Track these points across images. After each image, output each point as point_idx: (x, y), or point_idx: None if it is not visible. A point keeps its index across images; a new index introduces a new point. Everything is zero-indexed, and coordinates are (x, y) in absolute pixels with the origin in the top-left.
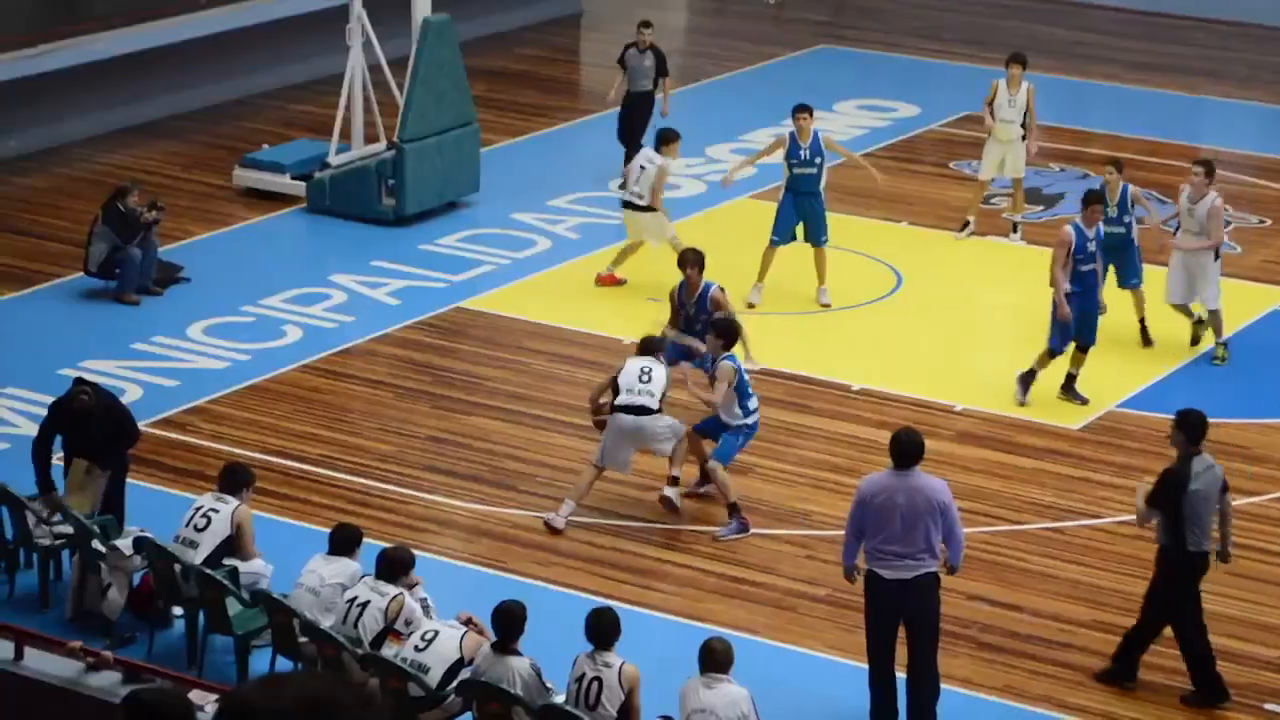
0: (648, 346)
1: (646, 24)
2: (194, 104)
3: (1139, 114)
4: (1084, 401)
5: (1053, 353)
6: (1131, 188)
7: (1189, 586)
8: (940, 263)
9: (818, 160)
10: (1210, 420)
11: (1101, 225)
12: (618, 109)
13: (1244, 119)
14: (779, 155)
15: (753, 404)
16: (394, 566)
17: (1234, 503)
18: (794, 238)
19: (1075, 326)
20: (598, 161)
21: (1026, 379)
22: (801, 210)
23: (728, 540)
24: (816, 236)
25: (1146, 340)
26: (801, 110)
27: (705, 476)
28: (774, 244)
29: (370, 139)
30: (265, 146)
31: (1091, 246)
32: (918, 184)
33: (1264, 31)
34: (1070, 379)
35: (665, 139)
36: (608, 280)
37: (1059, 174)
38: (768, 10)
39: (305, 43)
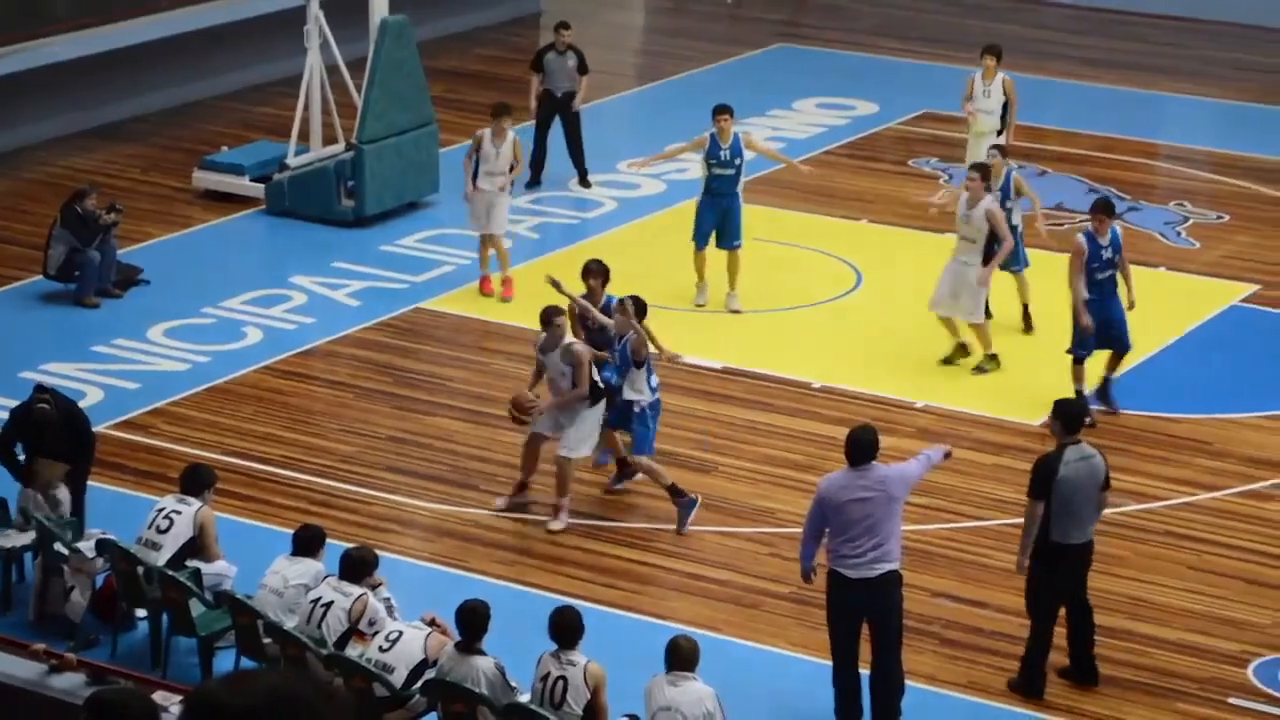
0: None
1: (565, 25)
2: (152, 106)
3: (1095, 110)
4: (1117, 410)
5: (1078, 360)
6: (1015, 174)
7: (1047, 577)
8: (899, 260)
9: (737, 162)
10: (1170, 416)
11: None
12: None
13: (1199, 114)
14: (695, 154)
15: (655, 380)
16: (357, 567)
17: (1196, 498)
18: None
19: (1100, 333)
20: (557, 161)
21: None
22: (718, 212)
23: (689, 530)
24: (729, 240)
25: (1028, 326)
26: (722, 111)
27: (624, 469)
28: (698, 247)
29: (329, 140)
30: (224, 149)
31: (1106, 254)
32: (876, 181)
33: (1217, 27)
34: (1105, 384)
35: (494, 111)
36: (505, 288)
37: (1018, 170)
38: (726, 9)
39: (263, 44)
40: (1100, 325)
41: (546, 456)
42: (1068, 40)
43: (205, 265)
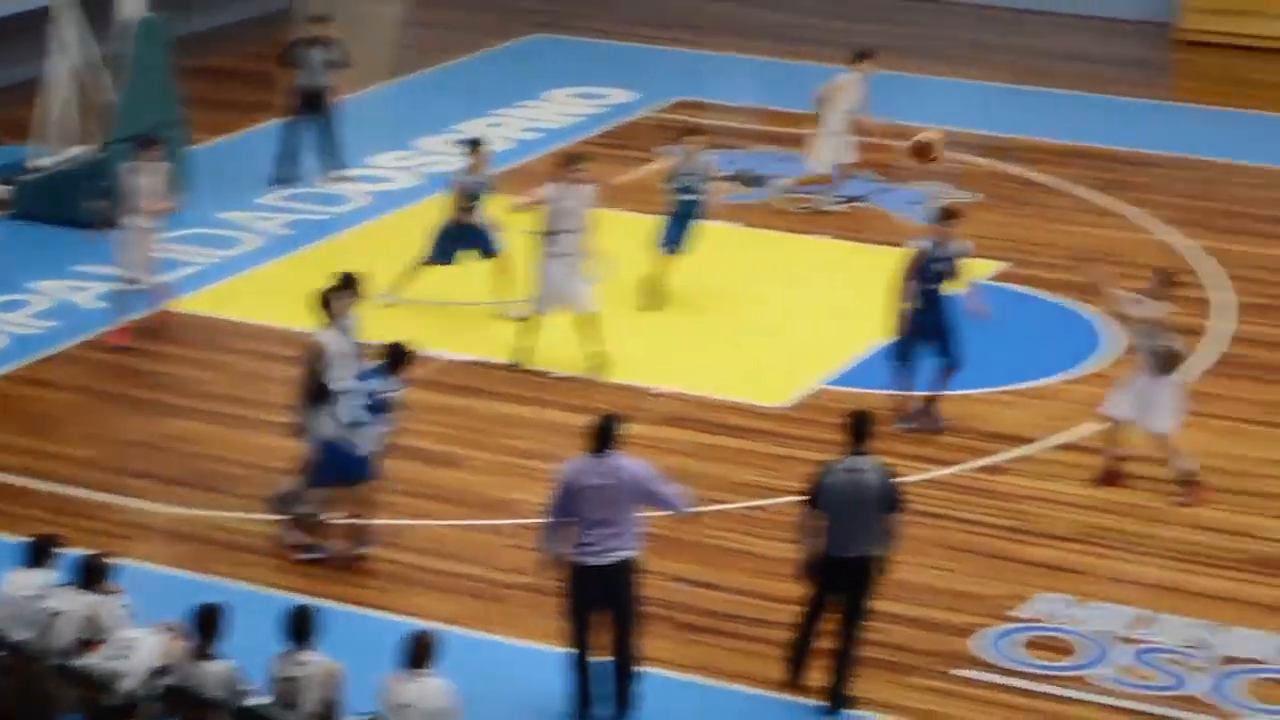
0: None
1: (320, 19)
2: None
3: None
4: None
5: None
6: (708, 161)
7: (817, 583)
8: (649, 247)
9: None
10: (911, 393)
11: (678, 193)
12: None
13: (946, 95)
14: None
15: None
16: (92, 574)
17: (933, 474)
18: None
19: (916, 345)
20: (310, 157)
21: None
22: None
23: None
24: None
25: (653, 301)
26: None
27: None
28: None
29: (77, 141)
30: None
31: (939, 266)
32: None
33: (961, 9)
34: (927, 402)
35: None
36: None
37: (767, 155)
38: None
39: (9, 45)
40: (919, 338)
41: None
42: (818, 24)
43: None
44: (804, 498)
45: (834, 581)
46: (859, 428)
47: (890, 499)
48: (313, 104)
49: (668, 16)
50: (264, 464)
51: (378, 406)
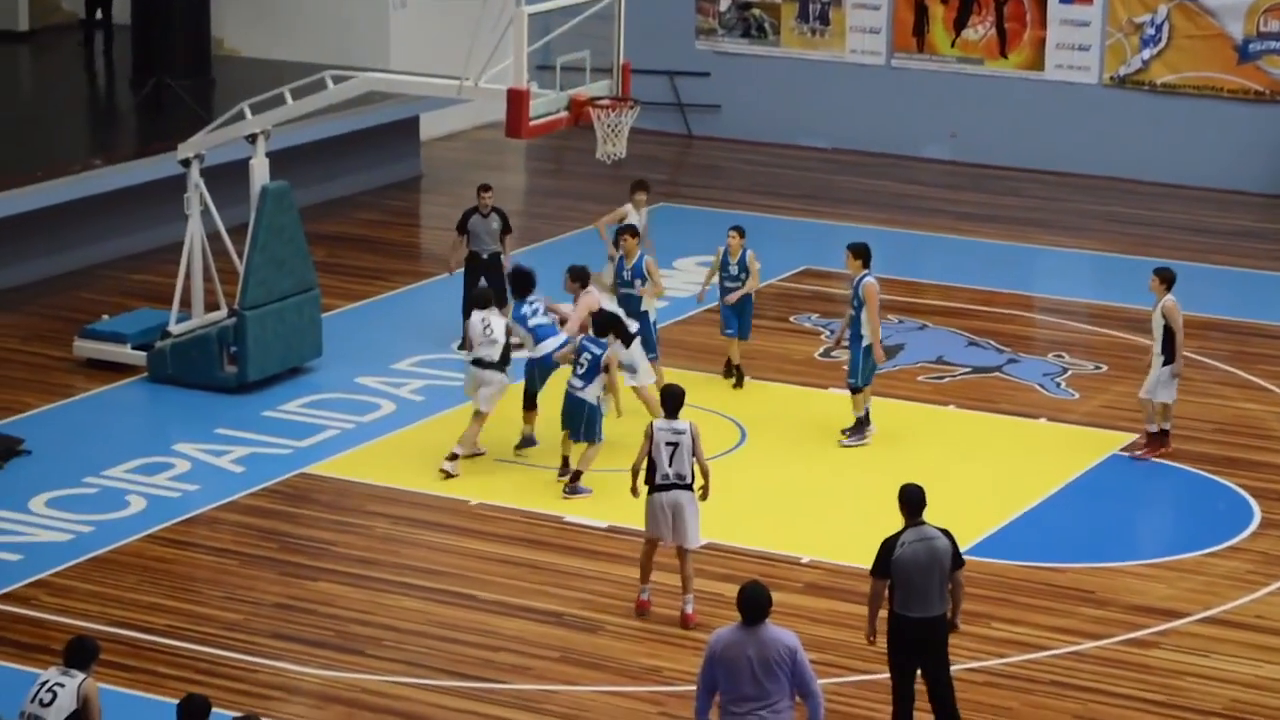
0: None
1: (487, 188)
2: (30, 276)
3: (972, 264)
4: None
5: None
6: (749, 253)
7: (891, 643)
8: (781, 416)
9: (636, 281)
10: (1054, 566)
11: (722, 280)
12: (460, 274)
13: (1075, 266)
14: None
15: None
16: None
17: (1081, 647)
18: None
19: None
20: (440, 323)
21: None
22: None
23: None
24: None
25: (739, 381)
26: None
27: None
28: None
29: (211, 306)
30: (105, 317)
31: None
32: (757, 338)
33: (1090, 181)
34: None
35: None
36: None
37: (898, 325)
38: (606, 169)
39: (143, 212)
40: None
41: None
42: (944, 195)
43: (87, 434)
44: (874, 569)
45: (902, 637)
46: (909, 503)
47: (959, 559)
48: (490, 270)
49: (786, 186)
50: (403, 627)
51: None
